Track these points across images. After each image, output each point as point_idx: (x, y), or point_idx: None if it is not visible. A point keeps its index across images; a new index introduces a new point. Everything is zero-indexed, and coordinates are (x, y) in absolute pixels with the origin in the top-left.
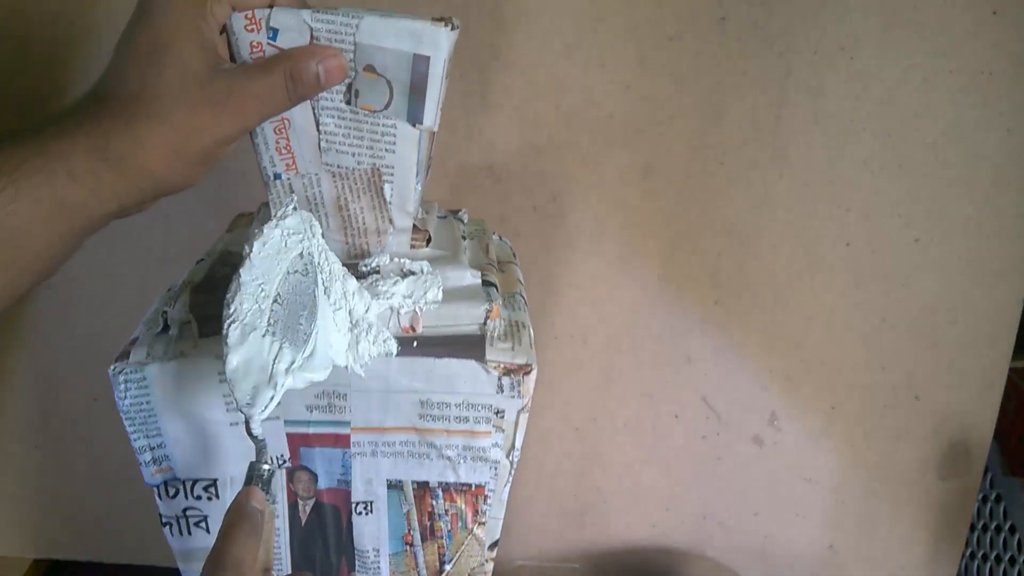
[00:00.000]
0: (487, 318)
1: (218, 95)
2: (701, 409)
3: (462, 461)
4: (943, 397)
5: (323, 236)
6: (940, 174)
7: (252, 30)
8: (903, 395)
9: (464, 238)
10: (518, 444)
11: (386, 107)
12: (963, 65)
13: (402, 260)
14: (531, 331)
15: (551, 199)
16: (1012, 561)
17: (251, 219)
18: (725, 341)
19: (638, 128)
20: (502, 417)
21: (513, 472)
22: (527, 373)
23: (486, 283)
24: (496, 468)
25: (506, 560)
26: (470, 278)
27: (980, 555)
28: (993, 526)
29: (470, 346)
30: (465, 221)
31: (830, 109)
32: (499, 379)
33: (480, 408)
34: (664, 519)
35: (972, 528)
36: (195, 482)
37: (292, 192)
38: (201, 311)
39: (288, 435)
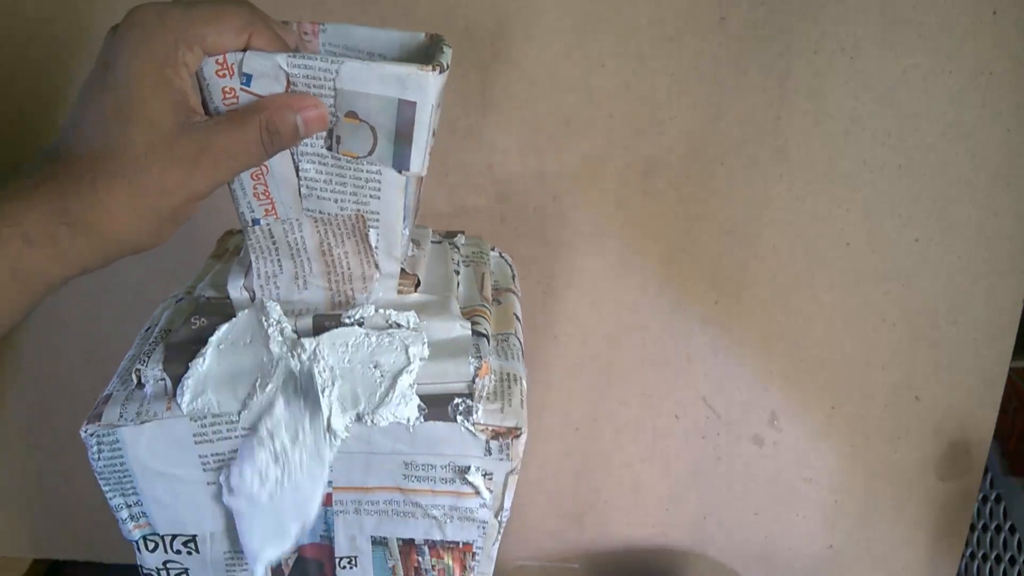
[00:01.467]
0: (476, 376)
1: (188, 152)
2: (701, 409)
3: (448, 520)
4: (943, 397)
5: (304, 283)
6: (940, 174)
7: (224, 75)
8: (903, 395)
9: (458, 272)
10: (507, 505)
11: (370, 153)
12: (963, 65)
13: (387, 312)
14: (524, 384)
15: (551, 199)
16: (1012, 561)
17: (239, 242)
18: (725, 341)
19: (638, 128)
20: (490, 479)
21: (502, 531)
22: (516, 437)
23: (476, 334)
24: (484, 528)
25: (506, 560)
26: (459, 329)
27: (980, 555)
28: (993, 526)
29: (457, 408)
30: (461, 245)
31: (830, 109)
32: (487, 442)
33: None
34: (664, 519)
35: (972, 528)
36: (174, 537)
37: (272, 237)
38: (175, 369)
39: None
